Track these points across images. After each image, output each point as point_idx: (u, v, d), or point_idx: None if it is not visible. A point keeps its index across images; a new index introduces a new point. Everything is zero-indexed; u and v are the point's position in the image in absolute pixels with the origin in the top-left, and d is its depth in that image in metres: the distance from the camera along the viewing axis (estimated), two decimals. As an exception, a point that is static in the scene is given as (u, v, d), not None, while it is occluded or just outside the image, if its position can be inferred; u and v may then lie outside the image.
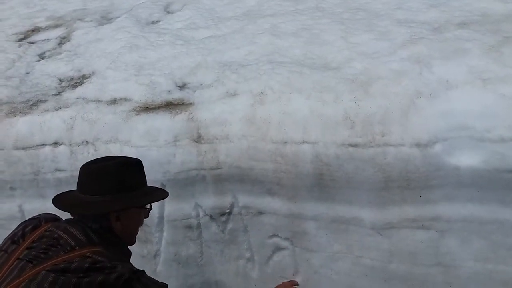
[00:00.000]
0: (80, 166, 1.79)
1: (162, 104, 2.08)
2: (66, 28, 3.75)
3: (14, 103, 2.35)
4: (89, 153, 2.07)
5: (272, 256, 1.94)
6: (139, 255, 2.08)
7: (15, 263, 1.19)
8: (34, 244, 1.24)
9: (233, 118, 1.91)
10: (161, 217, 2.00)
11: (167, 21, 3.32)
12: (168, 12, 3.67)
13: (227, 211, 1.94)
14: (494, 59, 1.75)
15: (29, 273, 1.15)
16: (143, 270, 1.30)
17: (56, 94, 2.41)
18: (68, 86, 2.51)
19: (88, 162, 1.48)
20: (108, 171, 1.40)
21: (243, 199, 1.91)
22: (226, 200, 1.93)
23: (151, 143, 1.95)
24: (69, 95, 2.35)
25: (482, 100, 1.61)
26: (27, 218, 2.19)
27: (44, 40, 3.58)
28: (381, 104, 1.72)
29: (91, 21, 3.78)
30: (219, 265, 2.01)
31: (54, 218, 1.39)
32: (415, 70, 1.80)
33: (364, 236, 1.77)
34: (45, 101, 2.33)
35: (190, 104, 2.04)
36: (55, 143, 2.14)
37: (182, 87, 2.18)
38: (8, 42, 3.46)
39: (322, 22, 2.49)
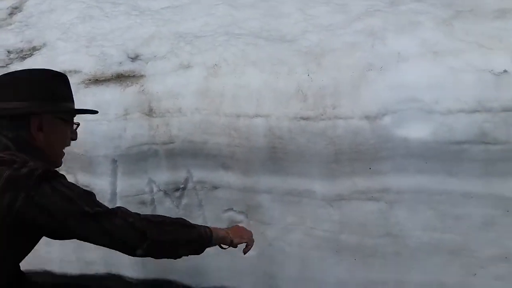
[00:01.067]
0: None
1: (112, 76, 2.00)
2: (18, -2, 3.56)
3: (-44, 75, 2.23)
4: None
5: (227, 230, 1.95)
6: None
7: None
8: None
9: (186, 91, 1.86)
10: (113, 193, 1.95)
11: (126, -9, 3.19)
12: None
13: (181, 186, 1.91)
14: (445, 32, 1.75)
15: None
16: (63, 175, 1.16)
17: (3, 67, 2.29)
18: (16, 58, 2.38)
19: (6, 73, 1.29)
20: (29, 78, 1.26)
21: (197, 174, 1.89)
22: (180, 175, 1.90)
23: (100, 117, 1.87)
24: (17, 67, 2.24)
25: (432, 72, 1.62)
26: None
27: (-6, 10, 3.40)
28: (333, 76, 1.71)
29: (46, -10, 3.60)
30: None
31: None
32: (368, 42, 1.78)
33: (316, 208, 1.78)
34: (-10, 73, 2.22)
35: (142, 76, 1.97)
36: (1, 118, 2.04)
37: (135, 58, 2.10)
38: (-47, 11, 3.26)
39: (280, -6, 2.44)
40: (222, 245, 1.37)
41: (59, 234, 1.16)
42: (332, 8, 2.14)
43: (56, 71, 1.33)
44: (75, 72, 2.08)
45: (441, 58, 1.64)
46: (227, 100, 1.79)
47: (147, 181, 1.93)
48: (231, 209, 1.90)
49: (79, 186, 1.16)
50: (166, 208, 1.95)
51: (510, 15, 1.77)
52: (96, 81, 2.00)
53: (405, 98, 1.61)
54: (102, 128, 1.89)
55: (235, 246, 1.40)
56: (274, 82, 1.77)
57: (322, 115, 1.67)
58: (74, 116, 1.34)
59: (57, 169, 1.18)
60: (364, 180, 1.70)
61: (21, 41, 2.59)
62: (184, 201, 1.93)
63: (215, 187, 1.88)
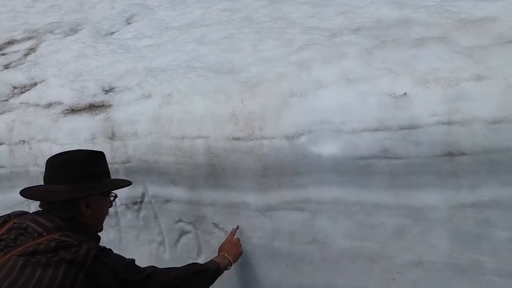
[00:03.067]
0: (17, 163, 2.08)
1: (86, 106, 2.35)
2: (36, 40, 4.08)
3: (-34, 108, 2.67)
4: (24, 151, 2.35)
5: (179, 239, 2.19)
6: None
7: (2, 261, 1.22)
8: (4, 236, 1.29)
9: (142, 118, 2.15)
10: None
11: (122, 32, 3.61)
12: (128, 23, 3.98)
13: (139, 200, 2.19)
14: (364, 60, 1.97)
15: (6, 260, 1.19)
16: (110, 248, 1.37)
17: (5, 100, 2.71)
18: (18, 93, 2.81)
19: (53, 155, 1.53)
20: (74, 161, 1.47)
21: (152, 189, 2.16)
22: (138, 190, 2.18)
23: (73, 141, 2.21)
24: (15, 100, 2.64)
25: (342, 97, 1.83)
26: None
27: (15, 51, 3.91)
28: (261, 102, 1.96)
29: (60, 33, 4.09)
30: (135, 249, 2.26)
31: (23, 213, 1.43)
32: (295, 72, 2.03)
33: (251, 218, 1.99)
34: (-7, 106, 2.65)
35: (110, 106, 2.30)
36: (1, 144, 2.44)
37: (108, 91, 2.44)
38: (-21, 54, 3.81)
39: (244, 31, 2.74)
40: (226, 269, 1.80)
41: None
42: (280, 43, 2.41)
43: (94, 151, 1.59)
44: (58, 103, 2.45)
45: (353, 84, 1.86)
46: (175, 125, 2.08)
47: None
48: (181, 220, 2.15)
49: (123, 257, 1.40)
50: (127, 220, 2.23)
51: (425, 43, 1.97)
52: (73, 110, 2.35)
53: (319, 120, 1.83)
54: (74, 150, 2.22)
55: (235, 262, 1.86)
56: (214, 108, 2.04)
57: (251, 135, 1.92)
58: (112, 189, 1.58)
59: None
60: (288, 192, 1.91)
61: (26, 78, 3.03)
62: (142, 213, 2.21)
63: (167, 201, 2.14)
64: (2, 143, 2.41)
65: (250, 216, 2.00)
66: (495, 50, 1.76)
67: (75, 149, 1.73)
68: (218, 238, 2.07)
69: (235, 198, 2.01)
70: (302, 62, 2.09)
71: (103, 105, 2.31)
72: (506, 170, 1.59)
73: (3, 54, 3.87)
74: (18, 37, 4.35)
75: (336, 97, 1.84)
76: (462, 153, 1.62)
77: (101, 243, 1.45)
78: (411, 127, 1.67)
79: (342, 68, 1.97)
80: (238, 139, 1.93)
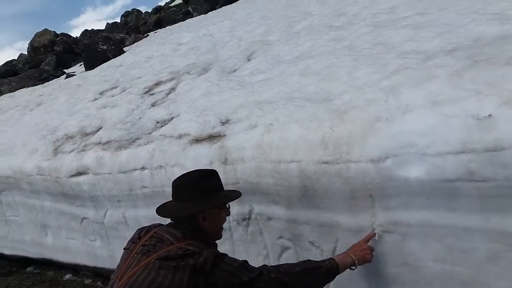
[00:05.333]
0: (156, 184, 2.59)
1: (207, 136, 2.78)
2: (177, 81, 4.83)
3: (122, 140, 3.37)
4: (161, 174, 2.89)
5: (282, 254, 2.41)
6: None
7: (134, 256, 1.58)
8: (146, 243, 1.61)
9: (248, 145, 2.47)
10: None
11: (242, 69, 4.08)
12: (249, 60, 4.45)
13: (247, 216, 2.48)
14: (451, 82, 1.97)
15: (144, 262, 1.52)
16: (225, 253, 1.60)
17: (149, 133, 3.34)
18: (159, 126, 3.42)
19: (177, 177, 1.84)
20: (192, 181, 1.76)
21: (257, 207, 2.43)
22: (246, 208, 2.48)
23: (196, 166, 2.63)
24: (156, 133, 3.24)
25: (428, 120, 1.86)
26: (128, 223, 3.11)
27: (160, 91, 4.70)
28: (349, 128, 2.10)
29: (194, 73, 4.77)
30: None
31: (160, 224, 1.76)
32: (383, 98, 2.12)
33: (343, 238, 2.11)
34: (140, 138, 3.28)
35: (224, 135, 2.69)
36: (142, 168, 3.02)
37: (225, 123, 2.85)
38: (135, 95, 4.68)
39: (343, 59, 2.90)
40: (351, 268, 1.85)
41: None
42: (375, 68, 2.51)
43: (207, 170, 1.91)
44: (186, 135, 2.94)
45: (438, 107, 1.87)
46: (273, 150, 2.34)
47: (225, 212, 2.59)
48: (282, 236, 2.38)
49: (236, 260, 1.59)
50: (239, 234, 2.55)
51: (521, 61, 1.89)
52: (197, 140, 2.81)
53: (404, 143, 1.89)
54: (196, 173, 2.65)
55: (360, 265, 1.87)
56: (307, 134, 2.24)
57: (338, 159, 2.07)
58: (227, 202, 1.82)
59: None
60: (378, 214, 1.99)
61: (166, 114, 3.65)
62: (250, 228, 2.50)
63: (270, 218, 2.40)
64: (146, 168, 2.99)
65: (342, 236, 2.12)
66: None
67: (194, 169, 1.98)
68: (314, 256, 2.23)
69: (327, 218, 2.16)
70: (392, 87, 2.17)
71: (219, 135, 2.71)
72: None
73: (152, 94, 4.68)
74: (164, 79, 5.17)
75: (422, 120, 1.89)
76: (556, 176, 1.52)
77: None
78: (496, 149, 1.63)
79: (430, 91, 2.00)
80: (327, 162, 2.09)
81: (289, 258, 2.38)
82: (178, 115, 3.45)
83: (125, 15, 20.81)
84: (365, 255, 1.88)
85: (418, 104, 1.97)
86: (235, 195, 1.86)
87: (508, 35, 2.16)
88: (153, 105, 4.18)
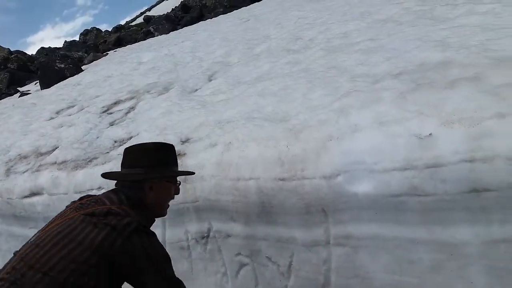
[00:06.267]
0: None
1: (165, 155, 2.82)
2: (136, 100, 4.82)
3: (78, 160, 3.32)
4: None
5: (239, 271, 2.44)
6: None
7: (64, 212, 1.57)
8: (82, 202, 1.59)
9: (208, 163, 2.53)
10: (163, 242, 2.67)
11: (203, 89, 4.15)
12: (210, 81, 4.53)
13: (206, 234, 2.52)
14: (397, 104, 2.13)
15: (70, 216, 1.49)
16: (154, 233, 1.53)
17: (106, 153, 3.31)
18: (117, 145, 3.41)
19: (130, 145, 1.78)
20: (147, 149, 1.71)
21: (216, 225, 2.46)
22: (204, 226, 2.51)
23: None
24: (114, 152, 3.23)
25: (375, 139, 2.00)
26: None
27: (119, 110, 4.67)
28: (303, 147, 2.21)
29: (154, 92, 4.79)
30: (204, 279, 2.57)
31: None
32: (335, 118, 2.25)
33: (299, 253, 2.19)
34: (97, 158, 3.25)
35: (184, 154, 2.73)
36: (99, 188, 2.99)
37: (185, 142, 2.89)
38: (93, 114, 4.62)
39: (299, 82, 3.04)
40: None
41: (131, 280, 1.50)
42: (328, 91, 2.66)
43: (165, 143, 1.83)
44: (145, 153, 2.96)
45: (385, 127, 2.02)
46: (233, 168, 2.41)
47: (184, 231, 2.61)
48: (240, 253, 2.42)
49: (163, 247, 1.54)
50: (197, 253, 2.57)
51: (457, 84, 2.07)
52: (155, 159, 2.83)
53: (353, 161, 2.01)
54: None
55: None
56: (264, 153, 2.33)
57: (294, 176, 2.16)
58: (177, 176, 1.78)
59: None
60: (330, 228, 2.09)
61: (125, 133, 3.64)
62: (209, 246, 2.53)
63: (228, 235, 2.44)
64: (103, 188, 2.96)
65: (298, 250, 2.20)
66: (523, 88, 1.81)
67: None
68: (271, 271, 2.29)
69: (284, 233, 2.23)
70: (343, 109, 2.31)
71: (179, 154, 2.75)
72: (534, 205, 1.61)
73: (110, 113, 4.64)
74: (123, 98, 5.13)
75: (369, 139, 2.02)
76: (487, 189, 1.68)
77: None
78: (436, 165, 1.78)
79: (377, 112, 2.14)
80: (283, 179, 2.18)
81: (246, 274, 2.42)
82: (138, 134, 3.45)
83: (84, 34, 20.49)
84: None
85: (366, 124, 2.11)
86: (188, 172, 1.90)
87: (449, 61, 2.37)
88: (111, 124, 4.15)
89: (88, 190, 3.02)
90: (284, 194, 2.17)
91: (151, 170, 1.67)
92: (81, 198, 1.67)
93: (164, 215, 1.78)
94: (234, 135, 2.60)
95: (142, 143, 1.83)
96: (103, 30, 20.72)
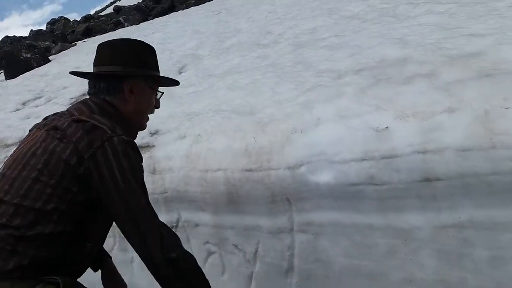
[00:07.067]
0: None
1: (135, 147, 2.83)
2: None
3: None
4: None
5: (207, 259, 2.50)
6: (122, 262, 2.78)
7: (31, 133, 1.36)
8: (48, 118, 1.39)
9: (177, 155, 2.57)
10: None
11: (173, 81, 4.16)
12: (180, 73, 4.54)
13: (175, 224, 2.57)
14: (357, 99, 2.23)
15: (34, 135, 1.29)
16: (134, 142, 1.27)
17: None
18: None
19: (105, 40, 1.49)
20: (125, 45, 1.43)
21: (184, 215, 2.52)
22: (174, 216, 2.56)
23: (123, 176, 2.68)
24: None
25: (336, 132, 2.09)
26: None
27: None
28: (270, 139, 2.28)
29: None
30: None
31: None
32: (300, 112, 2.34)
33: (264, 240, 2.27)
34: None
35: (153, 146, 2.76)
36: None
37: (154, 134, 2.92)
38: (61, 106, 4.56)
39: (268, 76, 3.11)
40: None
41: (99, 205, 1.23)
42: (294, 85, 2.74)
43: (147, 43, 1.49)
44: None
45: (345, 120, 2.12)
46: (201, 160, 2.46)
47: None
48: (208, 242, 2.48)
49: (137, 162, 1.24)
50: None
51: (413, 81, 2.19)
52: (124, 151, 2.84)
53: (315, 152, 2.10)
54: (124, 183, 2.68)
55: None
56: (232, 144, 2.39)
57: (260, 167, 2.23)
58: (159, 85, 1.52)
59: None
60: (294, 216, 2.18)
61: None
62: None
63: (197, 225, 2.50)
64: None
65: (264, 238, 2.28)
66: (471, 84, 1.95)
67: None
68: (238, 259, 2.37)
69: (251, 222, 2.31)
70: (307, 103, 2.39)
71: (148, 146, 2.77)
72: (478, 193, 1.74)
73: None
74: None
75: (331, 132, 2.11)
76: (438, 179, 1.80)
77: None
78: (391, 156, 1.89)
79: (339, 106, 2.24)
80: (250, 170, 2.25)
81: (214, 262, 2.48)
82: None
83: (51, 23, 19.85)
84: None
85: (328, 118, 2.20)
86: (174, 81, 1.65)
87: (407, 57, 2.48)
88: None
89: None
90: (251, 184, 2.24)
91: (134, 69, 1.39)
92: (45, 118, 1.43)
93: (144, 129, 1.53)
94: (203, 127, 2.64)
95: (119, 38, 1.54)
96: (72, 20, 20.13)
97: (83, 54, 8.15)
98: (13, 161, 1.26)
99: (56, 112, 1.45)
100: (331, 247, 2.11)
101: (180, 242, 1.32)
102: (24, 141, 1.34)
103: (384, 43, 2.88)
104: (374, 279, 2.04)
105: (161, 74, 1.61)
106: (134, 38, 1.63)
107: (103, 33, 13.11)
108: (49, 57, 9.79)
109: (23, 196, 1.16)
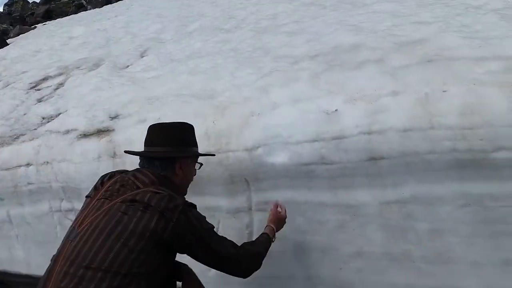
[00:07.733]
0: (42, 180, 2.53)
1: (95, 131, 2.82)
2: (66, 76, 4.65)
3: (4, 137, 3.21)
4: (48, 170, 2.83)
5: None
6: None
7: (96, 202, 1.51)
8: (110, 188, 1.54)
9: (136, 139, 2.57)
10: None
11: (135, 65, 4.10)
12: (142, 57, 4.48)
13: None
14: (311, 83, 2.31)
15: (107, 206, 1.46)
16: (195, 205, 1.60)
17: (34, 129, 3.23)
18: (45, 122, 3.32)
19: (154, 123, 1.82)
20: (173, 128, 1.75)
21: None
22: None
23: (83, 160, 2.66)
24: (42, 129, 3.15)
25: (290, 115, 2.17)
26: (12, 221, 2.99)
27: (47, 87, 4.50)
28: (228, 122, 2.34)
29: (85, 68, 4.63)
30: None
31: (125, 171, 1.69)
32: (257, 96, 2.40)
33: (224, 219, 2.34)
34: (24, 134, 3.16)
35: (113, 130, 2.75)
36: (27, 164, 2.93)
37: (114, 118, 2.90)
38: (20, 90, 4.41)
39: (228, 61, 3.14)
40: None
41: (187, 252, 1.57)
42: (253, 70, 2.79)
43: (189, 124, 1.84)
44: (74, 130, 2.92)
45: (299, 104, 2.20)
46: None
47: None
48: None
49: (204, 219, 1.61)
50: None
51: (363, 66, 2.29)
52: (84, 135, 2.82)
53: (271, 135, 2.18)
54: (84, 167, 2.67)
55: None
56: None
57: (219, 149, 2.29)
58: (198, 157, 1.85)
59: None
60: (252, 196, 2.26)
61: (53, 110, 3.53)
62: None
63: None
64: (31, 164, 2.91)
65: (224, 217, 2.35)
66: (414, 69, 2.06)
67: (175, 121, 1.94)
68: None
69: (211, 202, 2.36)
70: (265, 87, 2.46)
71: (108, 130, 2.76)
72: (418, 171, 1.87)
73: (38, 89, 4.44)
74: (52, 74, 4.92)
75: (285, 115, 2.19)
76: (382, 158, 1.92)
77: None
78: (340, 137, 1.99)
79: (293, 90, 2.31)
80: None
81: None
82: (66, 111, 3.38)
83: (9, 4, 18.84)
84: (280, 221, 2.01)
85: (283, 102, 2.27)
86: (211, 154, 2.02)
87: (360, 44, 2.57)
88: (39, 100, 4.00)
89: (15, 167, 2.95)
90: (211, 166, 2.29)
91: (182, 149, 1.70)
92: (102, 180, 1.64)
93: (185, 194, 1.82)
94: (163, 111, 2.66)
95: (167, 122, 1.85)
96: (30, 2, 19.19)
97: (44, 37, 7.82)
98: (92, 230, 1.42)
99: (106, 174, 1.69)
100: (286, 224, 2.20)
101: (249, 245, 1.78)
102: (93, 209, 1.49)
103: (339, 29, 2.96)
104: (326, 253, 2.16)
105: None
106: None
107: (64, 16, 12.60)
108: (7, 40, 9.35)
109: (111, 262, 1.34)
